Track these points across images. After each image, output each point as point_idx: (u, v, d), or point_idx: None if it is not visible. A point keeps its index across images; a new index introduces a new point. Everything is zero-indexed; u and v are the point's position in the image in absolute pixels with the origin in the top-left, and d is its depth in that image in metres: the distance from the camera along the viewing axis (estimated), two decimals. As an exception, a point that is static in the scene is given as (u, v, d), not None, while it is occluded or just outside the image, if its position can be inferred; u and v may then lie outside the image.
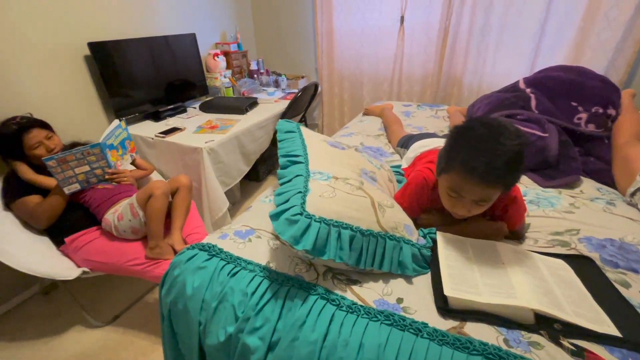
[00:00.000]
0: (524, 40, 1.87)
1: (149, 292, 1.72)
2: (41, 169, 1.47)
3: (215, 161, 1.75)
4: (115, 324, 1.56)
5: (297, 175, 0.81)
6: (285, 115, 2.25)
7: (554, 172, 1.21)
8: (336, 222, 0.70)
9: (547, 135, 1.25)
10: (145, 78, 2.00)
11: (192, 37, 2.27)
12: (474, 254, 0.78)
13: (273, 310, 0.68)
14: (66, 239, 1.40)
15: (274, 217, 0.69)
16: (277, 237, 0.89)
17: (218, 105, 2.19)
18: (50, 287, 1.75)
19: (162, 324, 0.85)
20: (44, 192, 1.43)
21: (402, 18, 2.18)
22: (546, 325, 0.62)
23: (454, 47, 2.09)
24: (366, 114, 1.99)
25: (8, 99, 1.50)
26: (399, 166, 1.26)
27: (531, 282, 0.68)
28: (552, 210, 1.01)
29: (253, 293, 0.70)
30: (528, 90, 1.47)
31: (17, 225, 1.41)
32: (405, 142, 1.34)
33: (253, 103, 2.27)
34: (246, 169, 2.06)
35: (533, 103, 1.42)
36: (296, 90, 2.67)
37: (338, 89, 2.68)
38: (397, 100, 2.38)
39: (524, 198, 0.93)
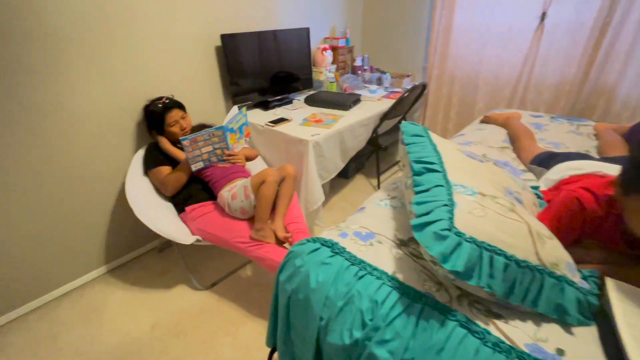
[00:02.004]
0: None
1: (241, 267, 1.84)
2: (173, 143, 1.69)
3: (317, 154, 1.77)
4: (212, 290, 1.71)
5: (437, 186, 0.73)
6: (388, 115, 2.17)
7: None
8: (489, 245, 0.61)
9: None
10: (260, 69, 2.14)
11: (306, 32, 2.34)
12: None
13: (405, 327, 0.62)
14: (187, 208, 1.58)
15: (418, 227, 0.63)
16: (401, 245, 0.84)
17: (323, 100, 2.22)
18: (164, 245, 2.01)
19: (277, 307, 0.87)
20: (174, 165, 1.63)
21: (544, 15, 1.88)
22: None
23: (610, 49, 1.73)
24: (486, 121, 1.78)
25: (155, 80, 1.74)
26: (535, 187, 1.08)
27: None
28: None
29: (383, 302, 0.66)
30: None
31: (151, 190, 1.65)
32: (545, 161, 1.14)
33: (356, 100, 2.24)
34: (342, 165, 2.05)
35: None
36: (399, 89, 2.56)
37: (447, 91, 2.49)
38: (519, 109, 2.09)
39: None
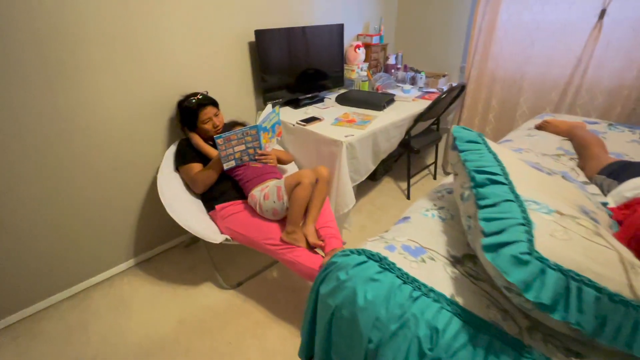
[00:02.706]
0: None
1: (268, 268, 1.81)
2: (205, 140, 1.67)
3: (350, 156, 1.70)
4: (238, 290, 1.68)
5: (507, 200, 0.65)
6: (423, 116, 2.07)
7: None
8: (577, 274, 0.53)
9: None
10: (291, 66, 2.09)
11: (339, 28, 2.27)
12: None
13: (472, 362, 0.55)
14: (216, 206, 1.55)
15: (491, 248, 0.55)
16: (455, 263, 0.76)
17: (355, 99, 2.14)
18: (191, 241, 2.01)
19: (313, 319, 0.81)
20: (205, 161, 1.61)
21: (603, 12, 1.73)
22: None
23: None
24: (542, 128, 1.63)
25: (187, 75, 1.72)
26: (604, 203, 0.97)
27: None
28: None
29: (444, 330, 0.59)
30: None
31: (181, 187, 1.63)
32: (616, 172, 1.02)
33: (390, 100, 2.15)
34: (373, 168, 1.97)
35: None
36: (434, 90, 2.45)
37: (486, 93, 2.35)
38: (568, 114, 1.94)
39: None
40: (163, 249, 1.97)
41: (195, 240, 2.00)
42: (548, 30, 1.96)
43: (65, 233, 1.56)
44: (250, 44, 1.93)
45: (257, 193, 1.46)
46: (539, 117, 1.83)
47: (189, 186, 1.62)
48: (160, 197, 1.50)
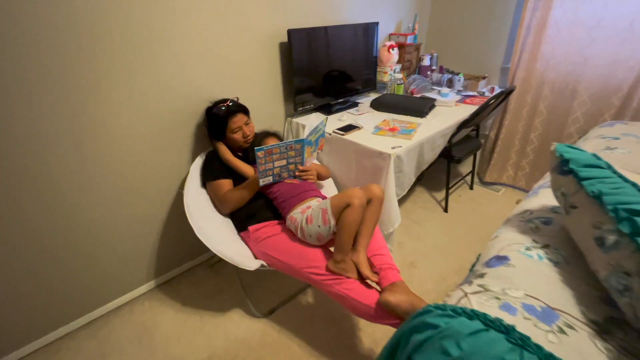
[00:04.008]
0: None
1: (302, 292, 1.64)
2: (233, 151, 1.50)
3: (396, 170, 1.52)
4: (271, 318, 1.51)
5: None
6: (468, 123, 1.89)
7: None
8: None
9: None
10: (324, 68, 1.91)
11: (373, 27, 2.09)
12: None
13: None
14: (250, 227, 1.38)
15: None
16: (602, 332, 0.58)
17: (393, 104, 1.96)
18: (216, 260, 1.85)
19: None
20: (235, 176, 1.44)
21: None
22: None
23: None
24: None
25: (215, 80, 1.56)
26: None
27: None
28: None
29: None
30: None
31: (209, 205, 1.47)
32: None
33: (432, 105, 1.96)
34: (413, 180, 1.79)
35: None
36: (473, 93, 2.26)
37: (533, 97, 2.15)
38: (633, 121, 1.73)
39: None
40: (186, 268, 1.82)
41: (220, 259, 1.84)
42: (612, 27, 1.76)
43: (80, 254, 1.40)
44: (281, 46, 1.76)
45: (297, 215, 1.29)
46: (605, 125, 1.63)
47: (215, 205, 1.45)
48: (188, 218, 1.34)
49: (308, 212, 1.26)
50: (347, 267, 1.17)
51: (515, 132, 2.30)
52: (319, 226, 1.22)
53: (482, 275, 0.77)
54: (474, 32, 2.41)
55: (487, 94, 2.25)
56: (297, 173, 1.38)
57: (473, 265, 1.00)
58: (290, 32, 1.67)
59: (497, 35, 2.31)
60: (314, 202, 1.34)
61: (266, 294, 1.64)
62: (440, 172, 2.50)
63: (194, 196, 1.44)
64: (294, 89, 1.79)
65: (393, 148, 1.49)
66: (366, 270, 1.15)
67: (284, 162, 1.30)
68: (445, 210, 2.24)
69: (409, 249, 1.90)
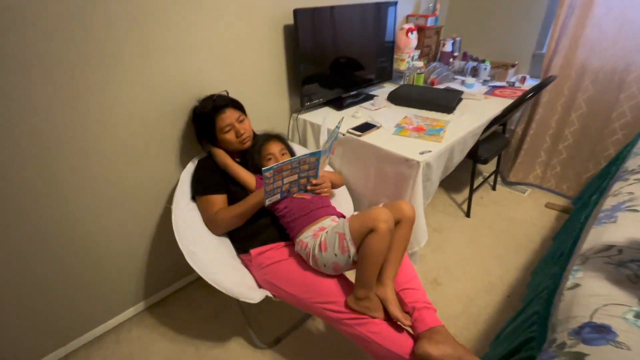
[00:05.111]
0: None
1: (312, 317, 1.44)
2: (231, 155, 1.26)
3: (424, 178, 1.29)
4: (277, 350, 1.32)
5: None
6: (500, 120, 1.64)
7: None
8: None
9: None
10: (334, 55, 1.65)
11: (391, 7, 1.81)
12: None
13: None
14: (252, 251, 1.16)
15: None
16: None
17: (415, 98, 1.70)
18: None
19: None
20: (230, 188, 1.21)
21: None
22: None
23: None
24: None
25: (207, 70, 1.30)
26: None
27: None
28: None
29: None
30: None
31: (201, 221, 1.23)
32: None
33: (459, 99, 1.71)
34: (436, 189, 1.55)
35: None
36: (502, 84, 2.00)
37: (571, 88, 1.89)
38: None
39: None
40: (179, 287, 1.61)
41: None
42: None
43: (59, 277, 1.18)
44: (286, 29, 1.50)
45: (308, 239, 1.06)
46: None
47: (205, 224, 1.22)
48: (178, 240, 1.11)
49: (322, 236, 1.03)
50: (372, 305, 0.95)
51: (547, 128, 2.05)
52: (335, 255, 0.99)
53: (578, 357, 0.54)
54: (503, 13, 2.12)
55: (517, 84, 1.98)
56: (309, 187, 1.15)
57: (541, 317, 0.78)
58: (297, 12, 1.40)
59: (529, 16, 2.03)
60: (328, 222, 1.11)
61: (270, 319, 1.43)
62: (460, 169, 2.27)
63: (184, 212, 1.21)
64: (301, 80, 1.53)
65: (421, 153, 1.24)
66: (396, 311, 0.93)
67: (295, 177, 1.06)
68: (467, 215, 2.02)
69: (431, 263, 1.69)
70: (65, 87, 0.98)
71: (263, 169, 0.94)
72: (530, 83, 2.03)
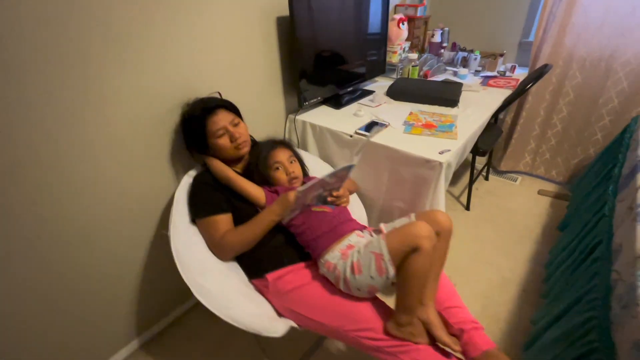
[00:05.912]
0: None
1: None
2: (228, 164, 1.10)
3: (445, 180, 1.21)
4: (297, 377, 1.20)
5: None
6: (502, 110, 1.61)
7: None
8: None
9: None
10: (331, 50, 1.52)
11: (383, -4, 1.70)
12: None
13: None
14: (268, 275, 1.02)
15: None
16: None
17: (416, 93, 1.62)
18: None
19: None
20: (235, 204, 1.05)
21: None
22: None
23: None
24: None
25: (195, 72, 1.13)
26: None
27: None
28: None
29: None
30: None
31: (204, 245, 1.07)
32: None
33: (460, 92, 1.65)
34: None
35: None
36: (493, 74, 1.98)
37: (558, 76, 1.92)
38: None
39: None
40: (177, 315, 1.43)
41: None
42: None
43: (37, 316, 0.98)
44: (279, 21, 1.34)
45: (336, 260, 0.94)
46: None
47: (210, 249, 1.06)
48: (182, 274, 0.95)
49: (352, 256, 0.92)
50: (415, 331, 0.86)
51: (536, 116, 2.07)
52: (371, 277, 0.88)
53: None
54: (488, 0, 2.09)
55: (508, 73, 1.98)
56: (329, 199, 1.02)
57: (600, 325, 0.73)
58: (293, 2, 1.24)
59: (515, 3, 2.02)
60: (355, 238, 1.00)
61: (284, 341, 1.31)
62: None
63: (186, 238, 1.04)
64: (298, 77, 1.39)
65: (441, 153, 1.17)
66: (444, 336, 0.85)
67: (319, 190, 0.93)
68: (467, 208, 2.01)
69: (441, 262, 1.64)
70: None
71: (297, 190, 0.80)
72: (520, 72, 2.03)
